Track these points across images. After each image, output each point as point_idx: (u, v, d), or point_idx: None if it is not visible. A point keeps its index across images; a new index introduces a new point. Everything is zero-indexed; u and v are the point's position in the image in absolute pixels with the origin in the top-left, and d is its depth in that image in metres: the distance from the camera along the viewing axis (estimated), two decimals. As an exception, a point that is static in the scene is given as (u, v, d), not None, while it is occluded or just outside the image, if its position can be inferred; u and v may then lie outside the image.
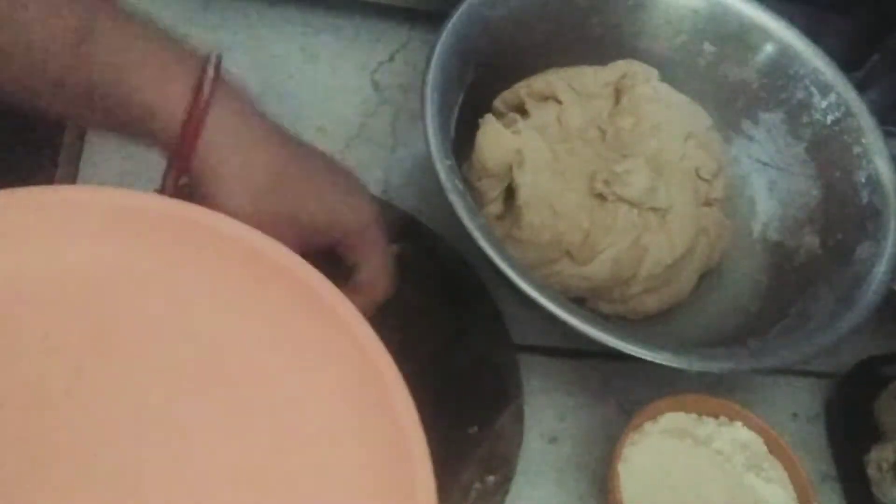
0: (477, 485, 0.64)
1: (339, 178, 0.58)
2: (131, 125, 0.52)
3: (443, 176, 0.63)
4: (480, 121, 0.73)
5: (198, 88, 0.51)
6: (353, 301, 0.51)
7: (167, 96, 0.51)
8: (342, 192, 0.58)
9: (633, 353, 0.61)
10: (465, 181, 0.73)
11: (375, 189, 0.78)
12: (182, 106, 0.51)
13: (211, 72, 0.51)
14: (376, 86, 0.85)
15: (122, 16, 0.51)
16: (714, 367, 0.64)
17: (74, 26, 0.49)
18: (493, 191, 0.72)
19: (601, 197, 0.71)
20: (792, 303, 0.71)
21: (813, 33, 0.80)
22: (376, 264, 0.59)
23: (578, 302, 0.73)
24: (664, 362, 0.61)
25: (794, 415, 0.78)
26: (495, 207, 0.73)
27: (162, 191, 0.55)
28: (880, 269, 0.69)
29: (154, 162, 0.75)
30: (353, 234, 0.58)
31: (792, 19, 0.80)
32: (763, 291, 0.75)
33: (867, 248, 0.71)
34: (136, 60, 0.51)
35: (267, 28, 0.85)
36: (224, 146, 0.52)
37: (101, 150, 0.75)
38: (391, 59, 0.87)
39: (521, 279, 0.61)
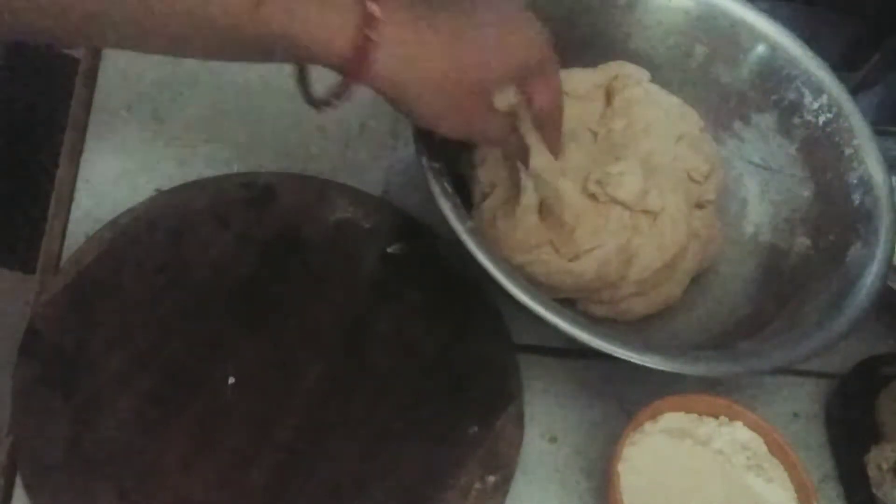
0: (477, 485, 0.64)
1: (511, 28, 0.60)
2: (298, 59, 0.58)
3: (431, 179, 0.64)
4: None
5: (361, 26, 0.53)
6: (543, 134, 0.62)
7: (333, 40, 0.53)
8: (517, 43, 0.60)
9: (619, 356, 0.61)
10: (467, 170, 0.74)
11: (375, 189, 0.79)
12: (348, 40, 0.53)
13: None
14: (376, 86, 0.85)
15: None
16: (704, 369, 0.64)
17: None
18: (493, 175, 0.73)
19: (593, 198, 0.72)
20: (784, 305, 0.72)
21: (813, 33, 0.80)
22: (553, 89, 0.64)
23: (569, 304, 0.73)
24: (651, 365, 0.61)
25: (795, 415, 0.78)
26: (500, 192, 0.73)
27: (311, 97, 0.61)
28: (872, 271, 0.69)
29: (154, 162, 0.76)
30: (532, 73, 0.62)
31: (792, 19, 0.80)
32: (755, 293, 0.76)
33: (859, 249, 0.71)
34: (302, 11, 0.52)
35: (267, 28, 0.85)
36: (394, 60, 0.55)
37: (101, 150, 0.76)
38: (391, 59, 0.87)
39: (509, 282, 0.61)
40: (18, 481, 0.59)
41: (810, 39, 0.79)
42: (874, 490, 0.73)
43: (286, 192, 0.75)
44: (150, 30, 0.52)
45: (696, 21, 0.80)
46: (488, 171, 0.73)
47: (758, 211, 0.80)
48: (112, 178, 0.75)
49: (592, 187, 0.71)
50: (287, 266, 0.72)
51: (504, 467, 0.66)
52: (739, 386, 0.77)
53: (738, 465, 0.67)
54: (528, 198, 0.70)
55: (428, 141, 0.65)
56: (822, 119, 0.77)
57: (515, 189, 0.71)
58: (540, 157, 0.67)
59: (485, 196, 0.73)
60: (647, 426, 0.67)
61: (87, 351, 0.64)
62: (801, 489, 0.66)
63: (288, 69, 0.83)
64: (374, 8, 0.53)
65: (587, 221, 0.70)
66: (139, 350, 0.65)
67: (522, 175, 0.69)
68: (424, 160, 0.64)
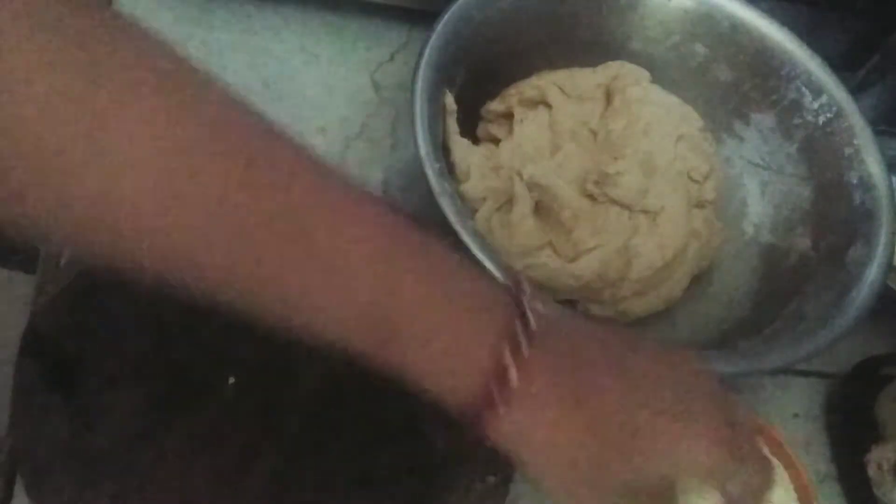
0: (477, 485, 0.64)
1: (692, 419, 0.46)
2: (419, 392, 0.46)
3: (432, 179, 0.64)
4: (452, 144, 0.72)
5: (491, 389, 0.43)
6: None
7: (457, 391, 0.44)
8: (694, 445, 0.45)
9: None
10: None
11: (376, 189, 0.79)
12: (473, 397, 0.44)
13: (522, 346, 0.43)
14: (376, 86, 0.86)
15: (425, 279, 0.44)
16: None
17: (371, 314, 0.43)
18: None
19: (592, 198, 0.72)
20: (784, 305, 0.71)
21: (813, 33, 0.80)
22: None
23: (570, 305, 0.73)
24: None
25: (795, 415, 0.79)
26: (491, 203, 0.73)
27: None
28: (872, 271, 0.69)
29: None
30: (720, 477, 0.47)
31: (792, 19, 0.80)
32: (755, 293, 0.76)
33: (859, 249, 0.71)
34: (433, 340, 0.44)
35: (267, 28, 0.86)
36: (519, 430, 0.45)
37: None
38: (391, 59, 0.88)
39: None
40: (18, 481, 0.59)
41: (810, 39, 0.79)
42: (874, 490, 0.73)
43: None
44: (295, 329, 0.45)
45: (696, 21, 0.80)
46: (475, 187, 0.72)
47: (758, 211, 0.80)
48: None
49: (591, 188, 0.72)
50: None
51: (504, 467, 0.66)
52: (740, 386, 0.77)
53: (738, 465, 0.66)
54: (523, 205, 0.70)
55: (430, 141, 0.65)
56: (822, 119, 0.77)
57: (506, 196, 0.71)
58: (534, 164, 0.67)
59: (475, 210, 0.72)
60: (648, 426, 0.66)
61: (87, 351, 0.64)
62: (802, 490, 0.66)
63: (287, 70, 0.84)
64: (513, 374, 0.43)
65: (586, 222, 0.71)
66: (139, 350, 0.65)
67: (516, 184, 0.69)
68: (425, 160, 0.64)
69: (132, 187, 0.38)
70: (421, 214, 0.75)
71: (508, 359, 0.43)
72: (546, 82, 0.77)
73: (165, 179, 0.38)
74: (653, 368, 0.47)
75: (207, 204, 0.39)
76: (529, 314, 0.44)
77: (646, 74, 0.80)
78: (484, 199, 0.72)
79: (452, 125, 0.72)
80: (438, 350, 0.44)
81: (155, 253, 0.40)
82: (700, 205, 0.77)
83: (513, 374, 0.43)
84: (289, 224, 0.41)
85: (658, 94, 0.79)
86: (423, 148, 0.65)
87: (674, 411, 0.46)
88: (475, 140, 0.78)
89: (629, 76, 0.79)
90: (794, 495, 0.66)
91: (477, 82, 0.76)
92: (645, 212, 0.73)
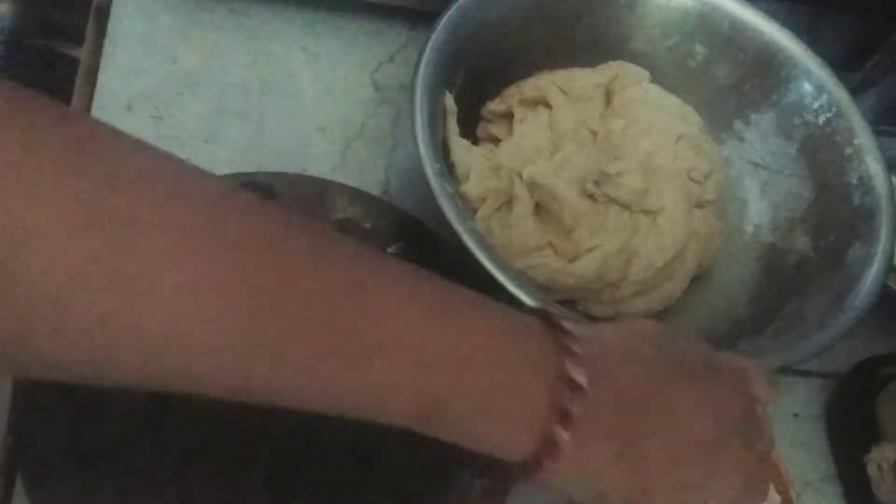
0: (478, 484, 0.64)
1: (720, 448, 0.47)
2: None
3: (432, 180, 0.63)
4: (452, 144, 0.72)
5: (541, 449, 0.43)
6: None
7: (508, 452, 0.44)
8: (721, 470, 0.47)
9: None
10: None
11: (376, 189, 0.79)
12: (523, 455, 0.44)
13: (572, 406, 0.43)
14: (376, 86, 0.86)
15: (468, 344, 0.42)
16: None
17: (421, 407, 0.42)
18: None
19: (592, 198, 0.72)
20: (784, 305, 0.72)
21: (813, 33, 0.80)
22: None
23: (570, 304, 0.73)
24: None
25: (795, 415, 0.79)
26: (491, 203, 0.73)
27: None
28: (872, 271, 0.69)
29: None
30: None
31: (792, 19, 0.80)
32: (755, 293, 0.75)
33: (859, 249, 0.71)
34: (480, 412, 0.43)
35: (267, 28, 0.86)
36: (569, 481, 0.45)
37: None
38: (391, 59, 0.87)
39: (510, 282, 0.61)
40: (18, 481, 0.59)
41: (810, 39, 0.79)
42: (874, 490, 0.73)
43: (286, 192, 0.75)
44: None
45: (696, 21, 0.80)
46: (474, 187, 0.72)
47: (758, 211, 0.80)
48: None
49: (591, 188, 0.71)
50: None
51: (505, 467, 0.66)
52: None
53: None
54: (523, 205, 0.70)
55: (430, 141, 0.65)
56: (822, 119, 0.77)
57: (506, 196, 0.71)
58: (534, 165, 0.67)
59: (474, 210, 0.72)
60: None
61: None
62: (784, 491, 0.67)
63: (288, 70, 0.84)
64: (563, 435, 0.42)
65: (586, 222, 0.71)
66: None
67: (516, 185, 0.69)
68: (425, 160, 0.64)
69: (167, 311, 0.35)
70: (419, 213, 0.76)
71: (559, 427, 0.42)
72: (546, 82, 0.77)
73: (202, 300, 0.36)
74: (692, 396, 0.47)
75: (239, 319, 0.37)
76: (575, 372, 0.43)
77: (646, 74, 0.80)
78: (484, 199, 0.72)
79: (452, 126, 0.72)
80: (486, 422, 0.43)
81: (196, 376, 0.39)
82: (700, 205, 0.77)
83: (563, 435, 0.43)
84: (323, 313, 0.38)
85: (658, 94, 0.79)
86: (423, 148, 0.65)
87: (711, 444, 0.47)
88: (475, 140, 0.78)
89: (629, 76, 0.79)
90: (777, 500, 0.66)
91: (477, 82, 0.75)
92: (645, 212, 0.73)
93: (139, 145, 0.37)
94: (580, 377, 0.43)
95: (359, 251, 0.42)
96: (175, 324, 0.35)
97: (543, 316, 0.46)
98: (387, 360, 0.40)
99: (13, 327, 0.33)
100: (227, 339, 0.37)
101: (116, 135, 0.37)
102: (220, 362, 0.38)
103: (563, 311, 0.48)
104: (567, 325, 0.45)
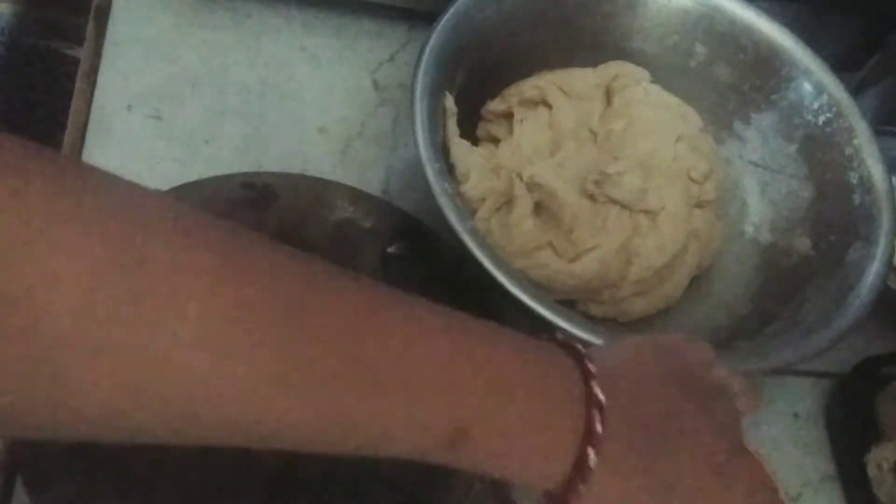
0: (478, 484, 0.64)
1: (729, 471, 0.48)
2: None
3: (432, 180, 0.64)
4: (451, 145, 0.72)
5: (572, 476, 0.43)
6: None
7: (536, 482, 0.44)
8: (732, 489, 0.48)
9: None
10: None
11: (376, 189, 0.78)
12: (553, 484, 0.44)
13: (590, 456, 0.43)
14: (376, 86, 0.86)
15: (493, 376, 0.42)
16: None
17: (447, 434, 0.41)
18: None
19: (592, 198, 0.72)
20: (784, 305, 0.72)
21: (813, 33, 0.80)
22: None
23: (569, 304, 0.73)
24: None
25: (795, 415, 0.78)
26: (491, 203, 0.73)
27: None
28: (872, 271, 0.69)
29: (154, 162, 0.76)
30: None
31: (792, 19, 0.80)
32: (754, 293, 0.75)
33: (859, 249, 0.71)
34: (507, 444, 0.43)
35: (267, 28, 0.86)
36: (603, 491, 0.44)
37: (101, 149, 0.76)
38: (391, 59, 0.87)
39: (510, 282, 0.61)
40: (18, 481, 0.59)
41: (810, 39, 0.79)
42: (874, 490, 0.73)
43: (286, 192, 0.75)
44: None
45: (696, 21, 0.80)
46: (474, 187, 0.71)
47: (758, 211, 0.80)
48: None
49: (591, 188, 0.71)
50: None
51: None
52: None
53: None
54: (523, 206, 0.70)
55: (430, 141, 0.65)
56: (822, 119, 0.77)
57: (505, 196, 0.71)
58: (534, 164, 0.67)
59: (474, 211, 0.72)
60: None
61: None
62: None
63: (288, 70, 0.84)
64: (592, 459, 0.43)
65: (586, 222, 0.71)
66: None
67: (516, 185, 0.69)
68: (425, 160, 0.64)
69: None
70: (419, 213, 0.76)
71: (588, 450, 0.43)
72: (546, 82, 0.77)
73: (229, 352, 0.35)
74: (701, 414, 0.48)
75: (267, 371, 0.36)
76: (598, 393, 0.43)
77: (646, 74, 0.80)
78: (484, 199, 0.72)
79: (452, 126, 0.72)
80: (517, 447, 0.43)
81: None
82: (700, 205, 0.77)
83: (592, 459, 0.43)
84: (347, 351, 0.38)
85: (658, 94, 0.79)
86: (423, 148, 0.65)
87: (722, 465, 0.47)
88: (475, 140, 0.77)
89: (629, 76, 0.79)
90: None
91: (477, 82, 0.75)
92: (645, 212, 0.73)
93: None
94: (603, 397, 0.43)
95: (374, 283, 0.41)
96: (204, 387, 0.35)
97: (555, 341, 0.46)
98: (413, 393, 0.39)
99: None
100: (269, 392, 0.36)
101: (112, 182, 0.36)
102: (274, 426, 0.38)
103: (566, 335, 0.49)
104: (579, 347, 0.46)
